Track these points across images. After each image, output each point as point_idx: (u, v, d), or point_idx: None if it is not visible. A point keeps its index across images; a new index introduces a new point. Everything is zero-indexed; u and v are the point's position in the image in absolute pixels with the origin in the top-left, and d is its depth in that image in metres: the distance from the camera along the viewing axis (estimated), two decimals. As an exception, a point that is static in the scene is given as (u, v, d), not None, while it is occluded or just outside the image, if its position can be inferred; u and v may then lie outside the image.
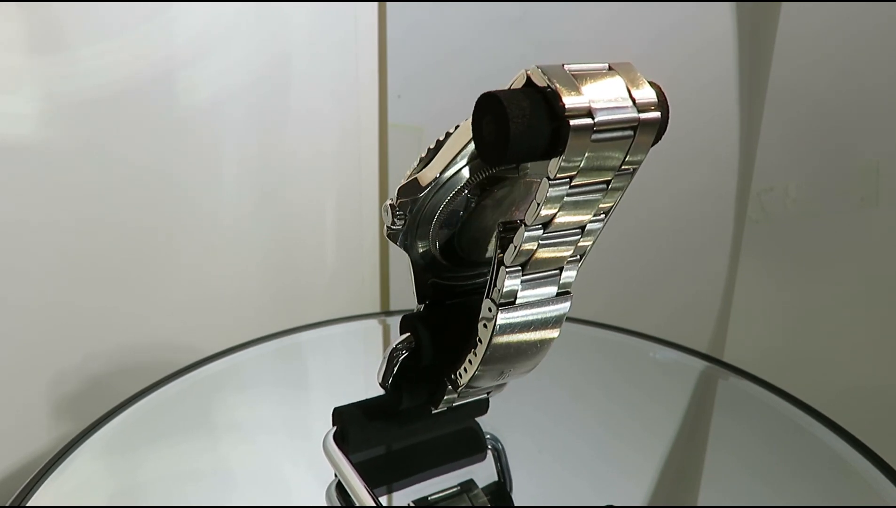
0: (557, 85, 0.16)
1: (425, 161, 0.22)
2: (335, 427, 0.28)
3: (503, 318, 0.21)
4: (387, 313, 0.58)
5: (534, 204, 0.18)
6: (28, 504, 0.29)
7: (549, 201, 0.18)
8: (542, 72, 0.17)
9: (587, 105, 0.16)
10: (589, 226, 0.19)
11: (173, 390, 0.37)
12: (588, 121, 0.16)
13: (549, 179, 0.17)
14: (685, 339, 0.43)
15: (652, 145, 0.18)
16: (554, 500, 0.30)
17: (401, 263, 0.61)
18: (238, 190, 0.50)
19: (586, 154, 0.17)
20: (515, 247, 0.19)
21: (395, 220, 0.22)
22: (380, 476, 0.28)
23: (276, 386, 0.40)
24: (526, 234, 0.19)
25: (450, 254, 0.24)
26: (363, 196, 0.58)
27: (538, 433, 0.36)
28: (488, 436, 0.31)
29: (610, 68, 0.17)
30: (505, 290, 0.20)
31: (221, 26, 0.45)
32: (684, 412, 0.39)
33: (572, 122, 0.16)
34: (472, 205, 0.23)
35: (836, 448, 0.33)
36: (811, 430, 0.35)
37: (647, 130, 0.17)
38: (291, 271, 0.55)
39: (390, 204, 0.22)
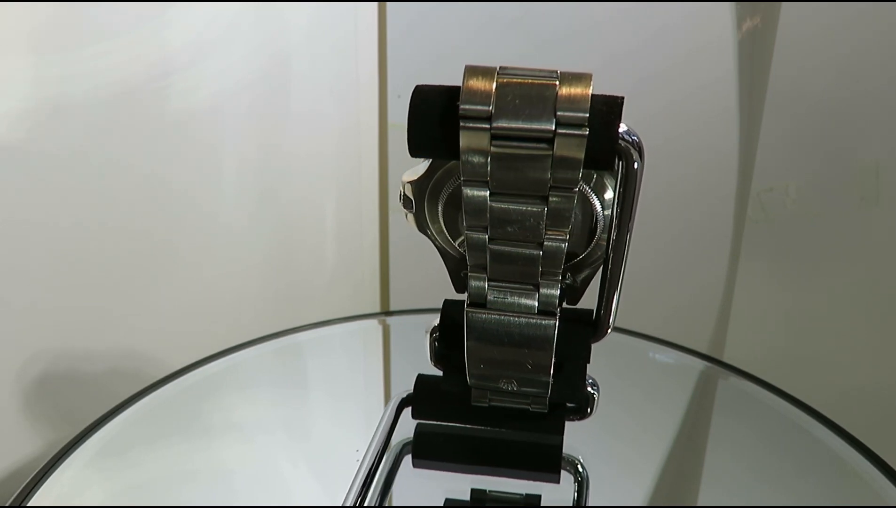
0: (464, 85, 0.16)
1: None
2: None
3: (470, 315, 0.20)
4: (387, 313, 0.58)
5: None
6: (28, 505, 0.29)
7: (469, 202, 0.18)
8: (464, 70, 0.16)
9: (487, 109, 0.16)
10: (548, 243, 0.18)
11: (172, 390, 0.37)
12: (482, 125, 0.16)
13: (460, 179, 0.17)
14: (685, 339, 0.43)
15: (601, 166, 0.17)
16: (553, 500, 0.30)
17: (401, 263, 0.61)
18: (238, 190, 0.50)
19: (490, 160, 0.16)
20: (465, 246, 0.19)
21: (403, 204, 0.22)
22: (435, 450, 0.27)
23: (276, 386, 0.40)
24: (467, 233, 0.18)
25: None
26: (363, 196, 0.58)
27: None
28: (577, 463, 0.29)
29: (558, 75, 0.16)
30: (470, 289, 0.20)
31: (221, 27, 0.45)
32: (684, 413, 0.39)
33: (463, 123, 0.16)
34: None
35: (836, 448, 0.33)
36: (811, 430, 0.35)
37: (568, 147, 0.16)
38: (291, 272, 0.55)
39: (401, 190, 0.22)
